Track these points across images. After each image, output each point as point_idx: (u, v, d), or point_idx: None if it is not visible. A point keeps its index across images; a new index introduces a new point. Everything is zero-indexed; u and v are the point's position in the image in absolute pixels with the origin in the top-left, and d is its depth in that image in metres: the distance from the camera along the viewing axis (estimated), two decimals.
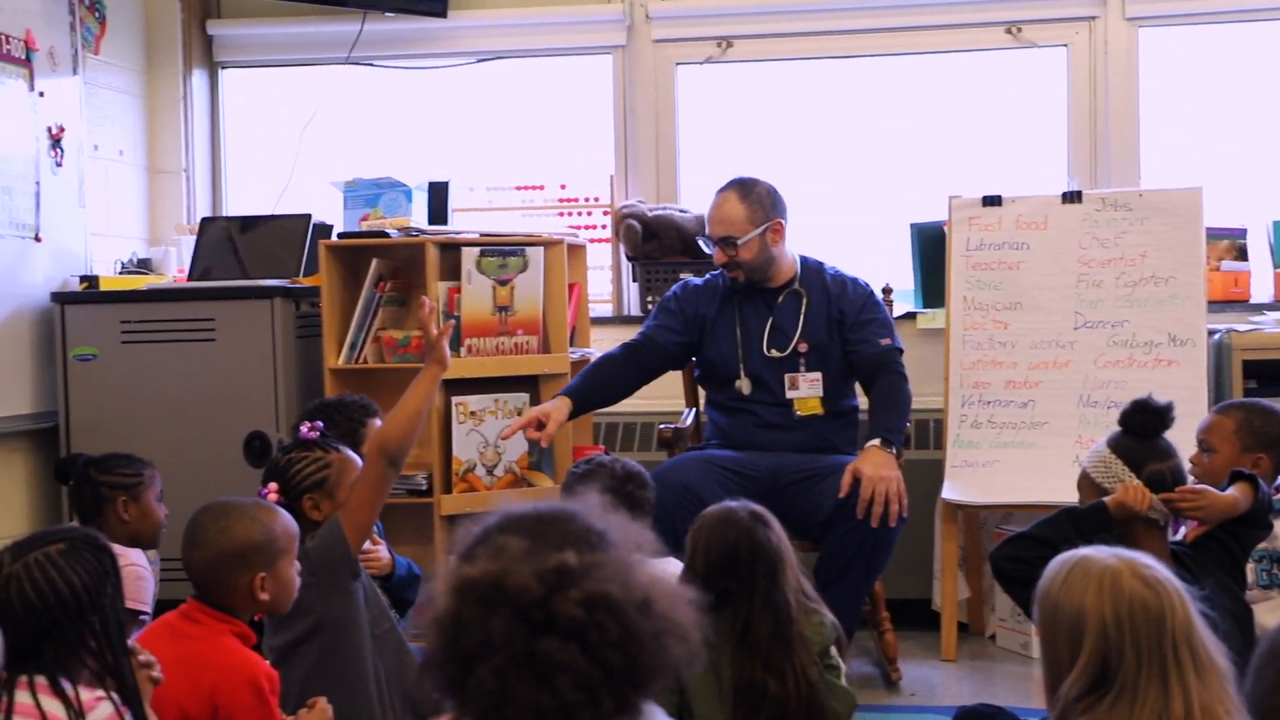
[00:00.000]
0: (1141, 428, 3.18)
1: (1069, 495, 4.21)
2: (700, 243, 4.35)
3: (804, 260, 4.28)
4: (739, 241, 4.13)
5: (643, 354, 4.28)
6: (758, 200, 4.16)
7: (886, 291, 4.74)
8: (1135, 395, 4.27)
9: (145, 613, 3.27)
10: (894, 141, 5.35)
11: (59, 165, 4.75)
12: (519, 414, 4.36)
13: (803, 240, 4.33)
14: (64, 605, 2.20)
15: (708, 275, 4.35)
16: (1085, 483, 3.22)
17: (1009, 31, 5.16)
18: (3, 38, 4.48)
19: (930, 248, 4.93)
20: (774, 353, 4.19)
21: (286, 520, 2.75)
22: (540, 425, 4.01)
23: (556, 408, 4.06)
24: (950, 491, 4.40)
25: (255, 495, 2.95)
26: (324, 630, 2.93)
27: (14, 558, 2.24)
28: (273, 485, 3.00)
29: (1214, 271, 4.79)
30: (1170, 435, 4.20)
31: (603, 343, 4.90)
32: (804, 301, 4.20)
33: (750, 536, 2.78)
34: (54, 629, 2.20)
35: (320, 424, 3.15)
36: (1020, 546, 2.98)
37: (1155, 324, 4.44)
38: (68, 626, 2.21)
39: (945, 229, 4.69)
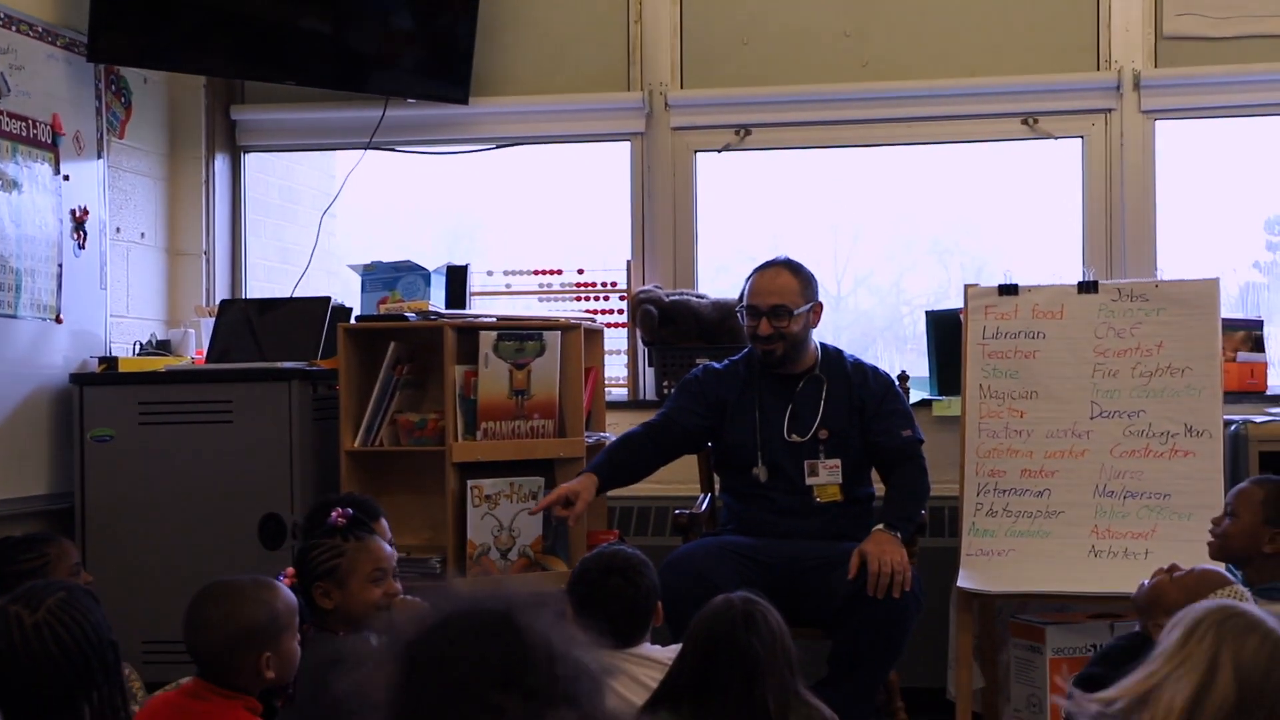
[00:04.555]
0: None
1: (1084, 585, 4.21)
2: (739, 313, 4.34)
3: (824, 347, 4.31)
4: (794, 312, 4.15)
5: (663, 434, 4.29)
6: (806, 280, 4.22)
7: (902, 379, 4.74)
8: (1152, 485, 4.32)
9: None
10: (910, 229, 5.38)
11: (81, 248, 4.80)
12: (534, 498, 4.36)
13: (820, 327, 4.35)
14: (91, 644, 2.20)
15: (727, 360, 4.36)
16: None
17: (1025, 123, 5.19)
18: (30, 122, 4.55)
19: (946, 335, 4.93)
20: (794, 438, 4.19)
21: (286, 596, 2.77)
22: (569, 503, 4.02)
23: (585, 485, 4.07)
24: (965, 580, 4.37)
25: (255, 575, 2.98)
26: None
27: (31, 609, 2.22)
28: (289, 570, 3.02)
29: (1230, 363, 4.78)
30: (1187, 527, 4.21)
31: (618, 427, 4.89)
32: (824, 388, 4.21)
33: (731, 638, 2.74)
34: (86, 670, 2.18)
35: (350, 510, 3.17)
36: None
37: (1172, 414, 4.42)
38: (96, 664, 2.20)
39: (961, 317, 4.70)
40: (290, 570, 3.04)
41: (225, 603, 2.69)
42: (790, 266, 4.24)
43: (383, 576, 3.22)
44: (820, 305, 4.24)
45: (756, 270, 4.27)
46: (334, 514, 3.15)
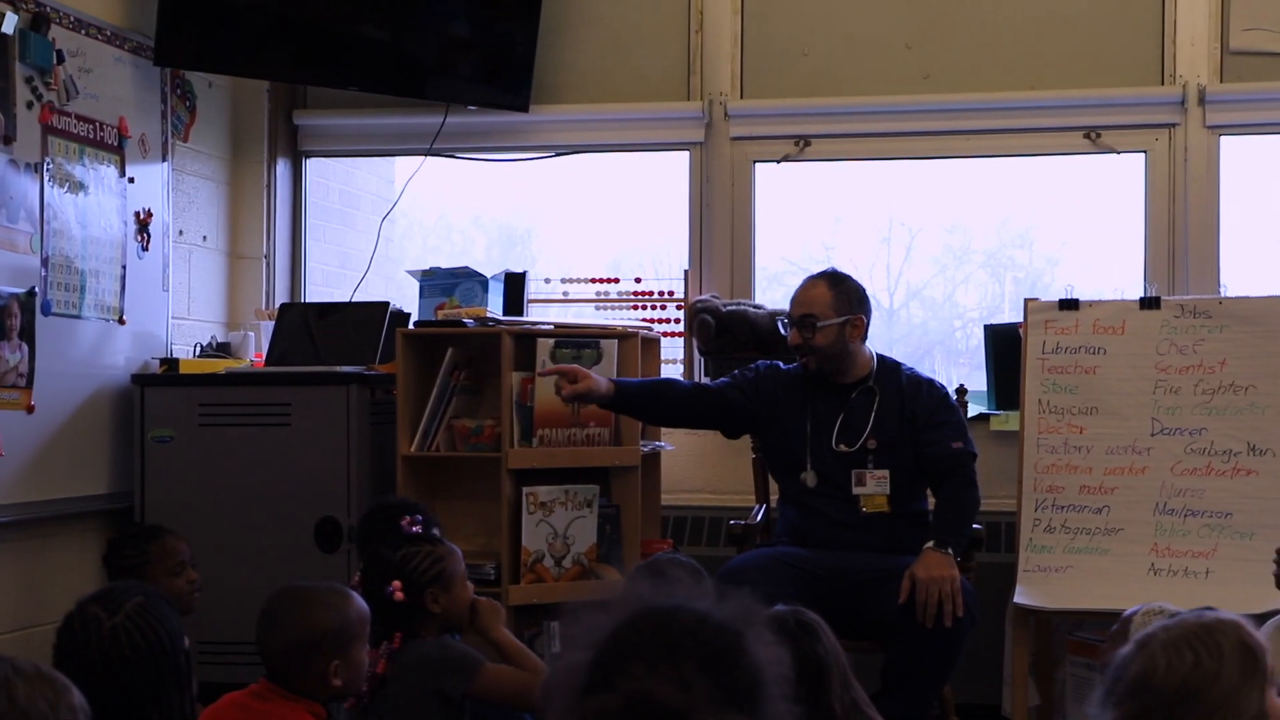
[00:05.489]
0: None
1: (1142, 603, 4.16)
2: (778, 324, 4.37)
3: (881, 359, 4.30)
4: (818, 324, 4.15)
5: (703, 395, 4.34)
6: (845, 293, 4.19)
7: (960, 392, 4.71)
8: (1213, 504, 4.28)
9: None
10: (963, 242, 5.36)
11: (145, 250, 4.84)
12: (588, 505, 4.36)
13: (872, 339, 4.34)
14: (164, 651, 2.21)
15: (794, 364, 4.35)
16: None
17: (1088, 136, 5.15)
18: (97, 125, 4.60)
19: (1004, 350, 4.90)
20: (842, 447, 4.18)
21: (360, 605, 2.79)
22: (575, 380, 4.03)
23: (599, 382, 4.08)
24: (1022, 596, 4.34)
25: (328, 580, 3.00)
26: None
27: (110, 612, 2.23)
28: (396, 583, 3.04)
29: None
30: (1249, 547, 4.16)
31: (674, 435, 4.90)
32: (876, 399, 4.20)
33: (795, 646, 2.73)
34: (157, 676, 2.20)
35: (419, 516, 3.20)
36: None
37: (1234, 432, 4.38)
38: (168, 671, 2.21)
39: (1021, 331, 4.67)
40: (397, 583, 3.07)
41: (298, 607, 2.72)
42: (830, 278, 4.24)
43: (466, 576, 3.28)
44: (861, 319, 4.21)
45: (803, 280, 4.29)
46: (404, 522, 3.17)
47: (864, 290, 4.28)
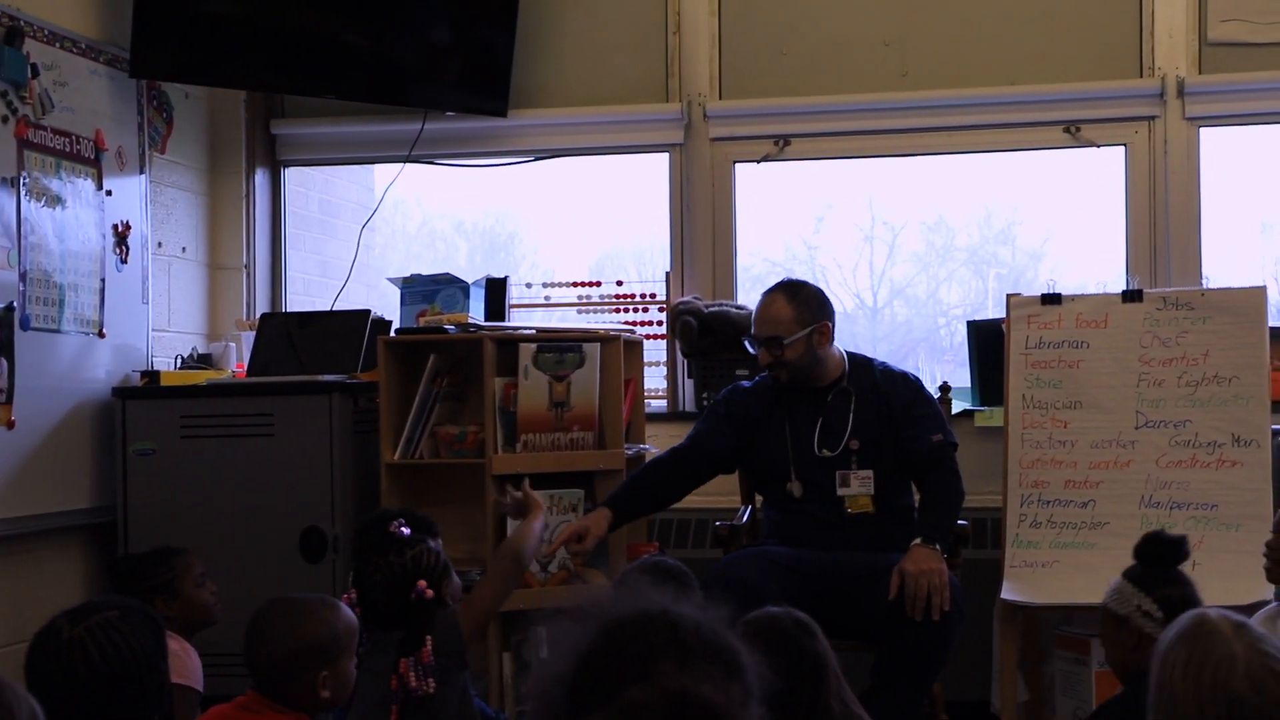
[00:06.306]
0: (1153, 559, 3.15)
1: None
2: (745, 343, 4.37)
3: (852, 357, 4.28)
4: (785, 341, 4.13)
5: (690, 460, 4.28)
6: (805, 302, 4.16)
7: (944, 389, 4.70)
8: (1199, 496, 4.27)
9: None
10: (945, 239, 5.35)
11: (123, 263, 4.82)
12: (574, 510, 4.35)
13: (856, 337, 4.32)
14: (125, 669, 2.19)
15: (758, 377, 4.35)
16: (1104, 615, 3.19)
17: (1068, 131, 5.15)
18: (73, 138, 4.58)
19: (987, 345, 4.90)
20: (825, 452, 4.17)
21: (348, 617, 2.79)
22: (580, 538, 4.01)
23: (596, 521, 4.06)
24: (1009, 592, 4.34)
25: (315, 590, 2.99)
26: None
27: (72, 623, 2.22)
28: (422, 582, 3.03)
29: (1277, 372, 4.72)
30: (1235, 539, 4.16)
31: (658, 438, 4.89)
32: (853, 399, 4.19)
33: (796, 645, 2.72)
34: (115, 694, 2.18)
35: (402, 520, 3.20)
36: None
37: (1218, 424, 4.38)
38: (128, 691, 2.19)
39: (1004, 327, 4.66)
40: (422, 583, 3.06)
41: (288, 618, 2.72)
42: (787, 291, 4.20)
43: None
44: (826, 325, 4.18)
45: (761, 296, 4.27)
46: (394, 524, 3.16)
47: (823, 294, 4.25)
